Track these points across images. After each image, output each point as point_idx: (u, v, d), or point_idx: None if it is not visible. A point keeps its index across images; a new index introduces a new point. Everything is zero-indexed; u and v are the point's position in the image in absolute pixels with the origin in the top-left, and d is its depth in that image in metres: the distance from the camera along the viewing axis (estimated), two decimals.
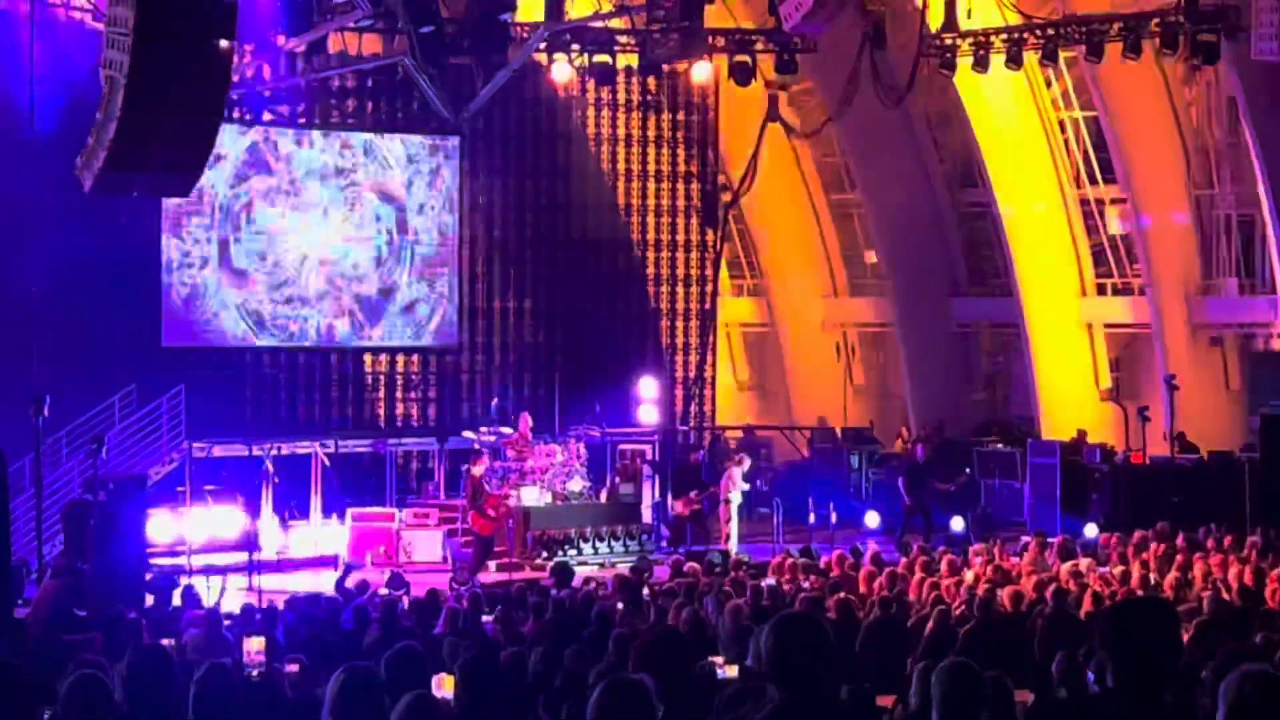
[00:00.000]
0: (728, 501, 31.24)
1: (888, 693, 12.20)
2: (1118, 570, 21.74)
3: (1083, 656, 12.41)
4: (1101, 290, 39.81)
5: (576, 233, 38.84)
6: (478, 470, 29.70)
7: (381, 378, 36.45)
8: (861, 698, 9.66)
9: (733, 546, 30.30)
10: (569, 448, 32.62)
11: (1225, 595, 19.25)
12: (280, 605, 20.82)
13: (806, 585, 21.15)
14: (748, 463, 31.66)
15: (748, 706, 8.67)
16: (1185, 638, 14.51)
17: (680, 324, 40.11)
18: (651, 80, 38.62)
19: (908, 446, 36.84)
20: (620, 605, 19.03)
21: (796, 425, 42.34)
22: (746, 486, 31.60)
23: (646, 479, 33.38)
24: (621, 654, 12.42)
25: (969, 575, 21.43)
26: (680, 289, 40.01)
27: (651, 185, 39.62)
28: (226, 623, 17.84)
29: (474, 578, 27.26)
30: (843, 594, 18.92)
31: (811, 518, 31.49)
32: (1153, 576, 21.41)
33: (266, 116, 34.58)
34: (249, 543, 28.52)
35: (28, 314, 26.69)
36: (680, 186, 39.85)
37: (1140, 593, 19.77)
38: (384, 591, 21.83)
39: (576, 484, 32.20)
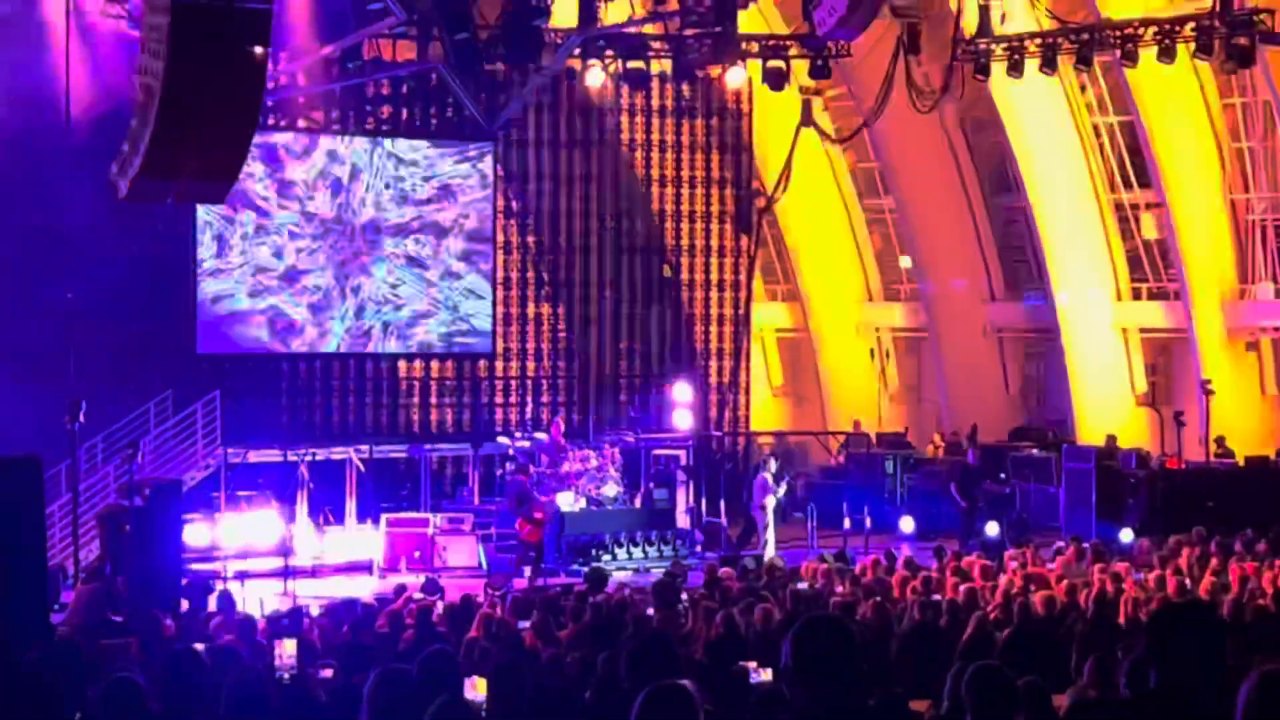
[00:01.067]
0: (763, 508, 31.21)
1: (923, 698, 12.17)
2: (1153, 576, 21.66)
3: (1119, 659, 12.37)
4: (1137, 295, 39.69)
5: (610, 238, 38.89)
6: (525, 477, 29.80)
7: (416, 383, 36.49)
8: (893, 702, 9.64)
9: (769, 552, 30.26)
10: (603, 453, 32.65)
11: (1261, 601, 19.17)
12: (315, 610, 20.88)
13: (840, 590, 21.13)
14: (774, 464, 31.60)
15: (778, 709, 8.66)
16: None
17: (714, 329, 40.13)
18: (685, 86, 38.70)
19: (962, 446, 36.67)
20: (652, 610, 19.03)
21: (831, 430, 42.30)
22: (783, 490, 31.53)
23: (680, 484, 33.38)
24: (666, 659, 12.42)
25: (1004, 580, 21.37)
26: (714, 294, 40.05)
27: (685, 191, 39.66)
28: (260, 627, 17.89)
29: (510, 582, 27.33)
30: (877, 599, 18.89)
31: (846, 523, 31.46)
32: (1188, 582, 21.33)
33: (301, 123, 34.69)
34: (284, 548, 28.60)
35: (64, 320, 26.81)
36: (714, 192, 39.89)
37: (1176, 598, 19.69)
38: (418, 596, 21.87)
39: (611, 489, 32.21)
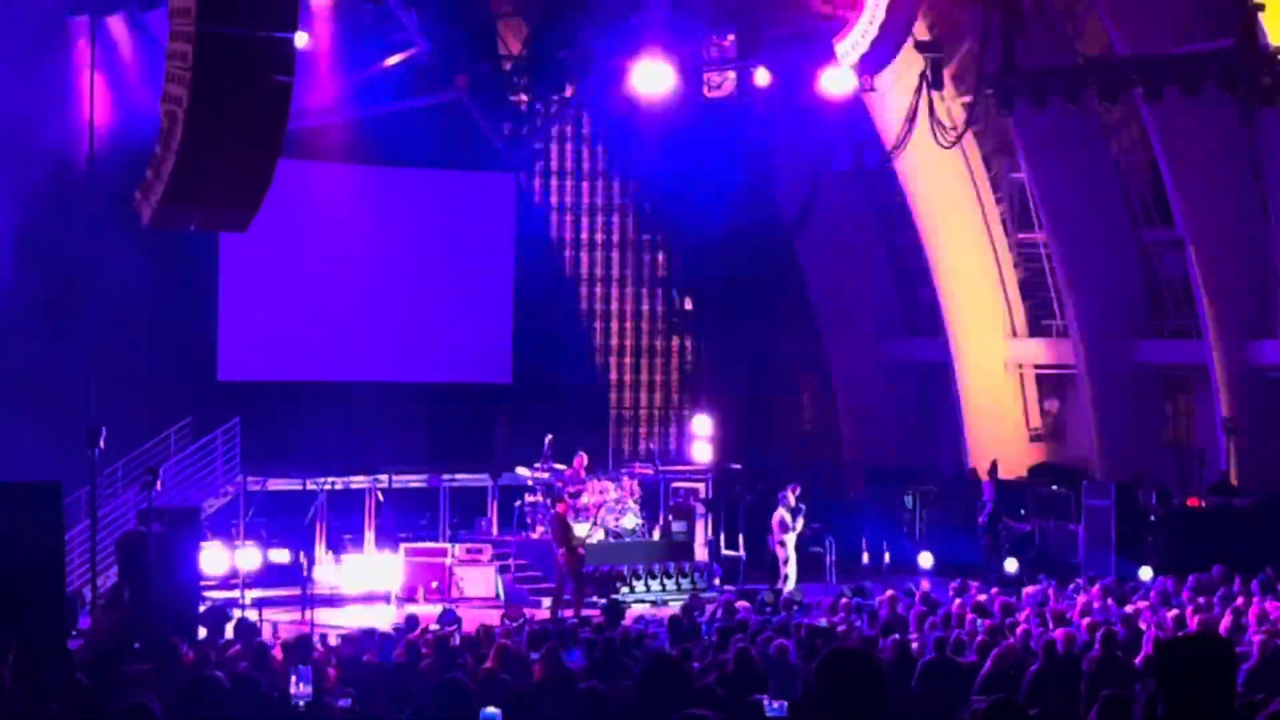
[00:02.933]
0: (783, 543, 31.14)
1: None
2: (1172, 614, 21.60)
3: (1138, 697, 12.34)
4: (1157, 332, 39.57)
5: (630, 269, 38.88)
6: (562, 508, 29.78)
7: (435, 413, 36.47)
8: None
9: (789, 586, 30.22)
10: (622, 485, 32.62)
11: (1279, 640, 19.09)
12: (333, 639, 20.87)
13: (858, 625, 21.10)
14: (792, 498, 31.49)
15: None
16: (1240, 680, 14.39)
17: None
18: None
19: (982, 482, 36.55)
20: (667, 644, 19.01)
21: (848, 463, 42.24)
22: (800, 523, 31.38)
23: (699, 517, 33.34)
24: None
25: (1023, 616, 21.32)
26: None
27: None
28: (277, 655, 17.88)
29: (579, 612, 27.36)
30: (896, 635, 18.86)
31: (865, 558, 31.39)
32: (1207, 620, 21.25)
33: (324, 151, 34.71)
34: (302, 576, 28.59)
35: (85, 346, 26.82)
36: None
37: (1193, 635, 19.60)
38: (435, 627, 21.85)
39: (629, 521, 32.18)
